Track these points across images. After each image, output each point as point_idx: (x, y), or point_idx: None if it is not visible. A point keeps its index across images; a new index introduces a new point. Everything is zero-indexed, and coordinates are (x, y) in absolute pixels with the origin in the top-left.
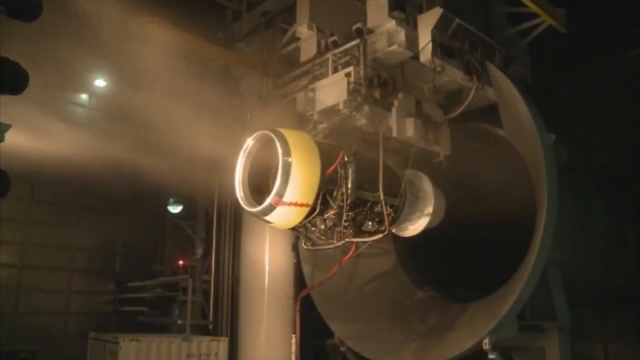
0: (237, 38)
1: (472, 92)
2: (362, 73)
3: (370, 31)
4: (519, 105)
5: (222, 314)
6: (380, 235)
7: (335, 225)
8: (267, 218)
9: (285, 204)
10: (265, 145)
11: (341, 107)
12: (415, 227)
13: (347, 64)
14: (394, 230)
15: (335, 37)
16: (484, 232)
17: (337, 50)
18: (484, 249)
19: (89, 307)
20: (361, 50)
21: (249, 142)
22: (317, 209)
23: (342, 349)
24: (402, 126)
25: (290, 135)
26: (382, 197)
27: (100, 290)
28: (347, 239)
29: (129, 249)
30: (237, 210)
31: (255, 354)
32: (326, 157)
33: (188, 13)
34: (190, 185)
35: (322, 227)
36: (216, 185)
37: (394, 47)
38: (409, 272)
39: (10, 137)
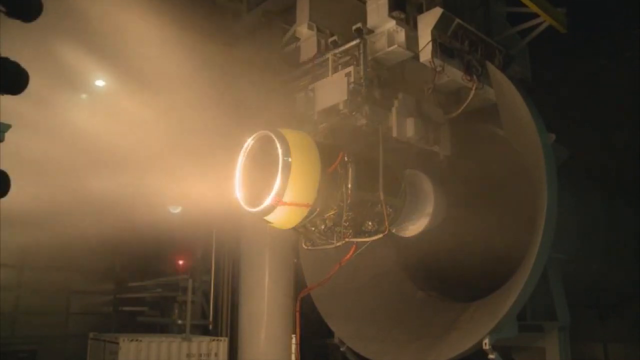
0: (237, 38)
1: (472, 92)
2: (362, 73)
3: (370, 31)
4: (519, 105)
5: (222, 314)
6: (380, 235)
7: (335, 225)
8: (267, 218)
9: (285, 204)
10: (265, 145)
11: (341, 107)
12: (415, 227)
13: (347, 64)
14: (394, 230)
15: (335, 37)
16: (484, 231)
17: (337, 50)
18: (484, 249)
19: (89, 307)
20: (361, 50)
21: (249, 141)
22: (317, 209)
23: (342, 349)
24: (402, 126)
25: (290, 135)
26: (382, 197)
27: (100, 290)
28: (347, 239)
29: (129, 249)
30: (237, 210)
31: (255, 354)
32: (326, 157)
33: (187, 13)
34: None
35: (322, 227)
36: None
37: (394, 47)
38: (409, 272)
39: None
